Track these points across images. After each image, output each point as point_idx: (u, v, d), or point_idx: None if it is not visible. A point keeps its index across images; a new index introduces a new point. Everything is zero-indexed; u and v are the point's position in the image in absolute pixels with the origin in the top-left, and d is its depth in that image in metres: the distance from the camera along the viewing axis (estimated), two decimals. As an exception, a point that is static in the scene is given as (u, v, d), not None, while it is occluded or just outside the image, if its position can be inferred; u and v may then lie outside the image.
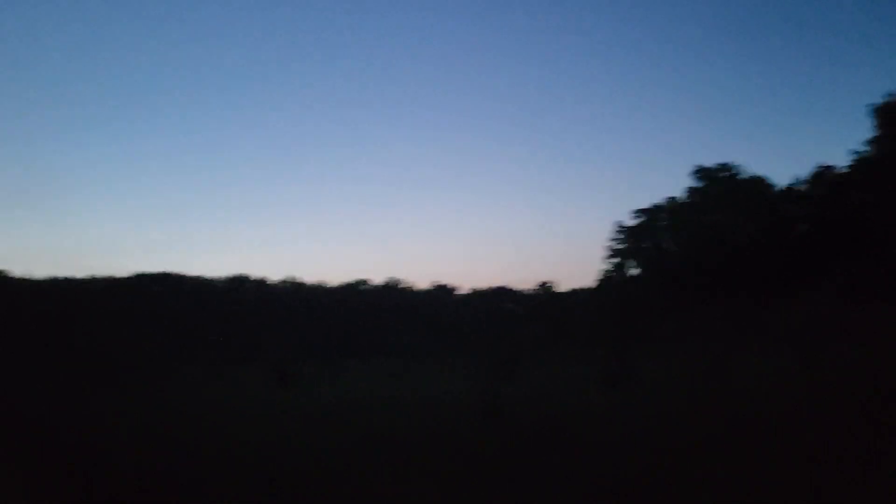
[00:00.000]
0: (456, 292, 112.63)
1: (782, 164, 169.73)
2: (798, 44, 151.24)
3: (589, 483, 11.55)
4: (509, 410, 17.07)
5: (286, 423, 22.69)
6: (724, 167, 64.92)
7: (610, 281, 70.44)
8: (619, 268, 70.14)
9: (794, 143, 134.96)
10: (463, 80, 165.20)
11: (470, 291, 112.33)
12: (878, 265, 42.39)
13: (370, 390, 35.85)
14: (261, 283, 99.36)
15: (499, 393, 17.53)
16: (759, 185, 60.70)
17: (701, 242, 58.48)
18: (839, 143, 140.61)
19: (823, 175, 51.58)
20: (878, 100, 43.84)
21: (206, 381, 47.16)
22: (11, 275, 75.22)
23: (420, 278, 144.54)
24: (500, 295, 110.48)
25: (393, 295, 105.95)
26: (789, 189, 56.27)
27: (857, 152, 46.90)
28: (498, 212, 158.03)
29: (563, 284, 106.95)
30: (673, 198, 66.78)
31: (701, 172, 66.23)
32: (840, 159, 66.81)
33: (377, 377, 46.04)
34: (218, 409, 28.82)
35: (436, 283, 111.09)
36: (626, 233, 70.37)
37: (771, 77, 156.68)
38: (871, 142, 43.54)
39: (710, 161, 66.71)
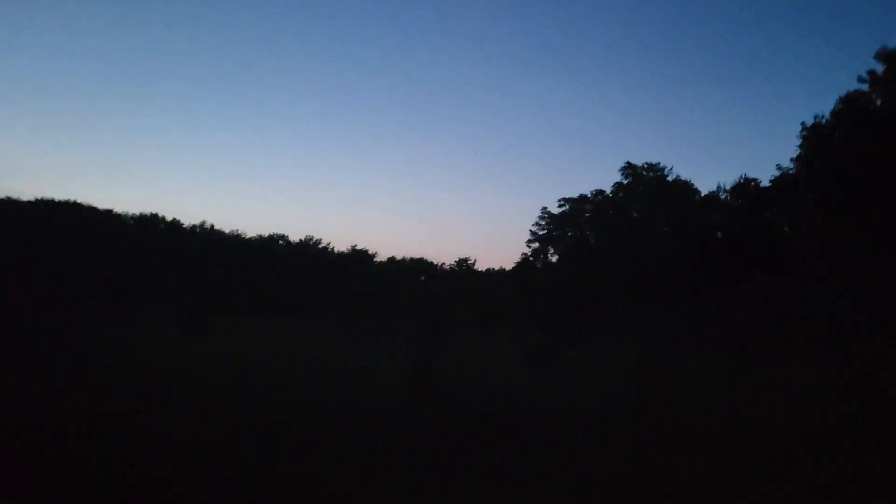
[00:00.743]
0: (375, 259, 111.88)
1: (713, 171, 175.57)
2: (741, 53, 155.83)
3: (514, 457, 11.59)
4: (436, 381, 16.98)
5: (193, 366, 21.93)
6: (652, 167, 66.78)
7: (530, 265, 71.55)
8: (539, 253, 71.29)
9: (727, 151, 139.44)
10: (397, 46, 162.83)
11: (387, 260, 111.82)
12: (791, 281, 44.44)
13: (279, 345, 35.22)
14: (173, 225, 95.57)
15: (430, 363, 17.36)
16: (683, 188, 62.79)
17: (622, 237, 60.02)
18: (770, 156, 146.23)
19: (745, 187, 53.79)
20: (809, 119, 45.81)
21: (108, 321, 45.00)
22: None
23: (339, 241, 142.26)
24: (419, 267, 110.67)
25: (310, 253, 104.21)
26: (711, 196, 58.48)
27: (780, 168, 49.00)
28: (424, 184, 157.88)
29: (482, 264, 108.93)
30: (601, 191, 68.21)
31: (629, 169, 67.92)
32: (766, 173, 69.55)
33: (288, 333, 45.28)
34: (123, 349, 27.56)
35: (355, 247, 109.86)
36: (551, 219, 71.55)
37: (710, 85, 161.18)
38: (795, 160, 45.53)
39: (639, 159, 68.48)
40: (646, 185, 66.71)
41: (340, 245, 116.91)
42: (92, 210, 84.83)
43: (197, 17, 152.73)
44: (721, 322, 34.71)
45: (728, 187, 55.90)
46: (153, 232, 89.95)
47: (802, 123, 42.42)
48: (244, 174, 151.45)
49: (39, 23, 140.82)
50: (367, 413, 14.47)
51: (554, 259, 71.77)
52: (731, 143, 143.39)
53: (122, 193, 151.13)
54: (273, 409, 14.48)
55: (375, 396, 16.68)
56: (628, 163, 67.65)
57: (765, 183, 52.69)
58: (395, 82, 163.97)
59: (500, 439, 12.57)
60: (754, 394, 18.90)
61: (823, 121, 42.83)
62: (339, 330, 44.82)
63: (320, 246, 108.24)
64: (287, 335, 42.02)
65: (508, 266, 78.81)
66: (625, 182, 67.51)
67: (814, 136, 39.60)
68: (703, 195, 60.72)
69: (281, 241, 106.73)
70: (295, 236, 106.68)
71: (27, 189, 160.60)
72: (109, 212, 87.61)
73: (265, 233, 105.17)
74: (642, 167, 67.22)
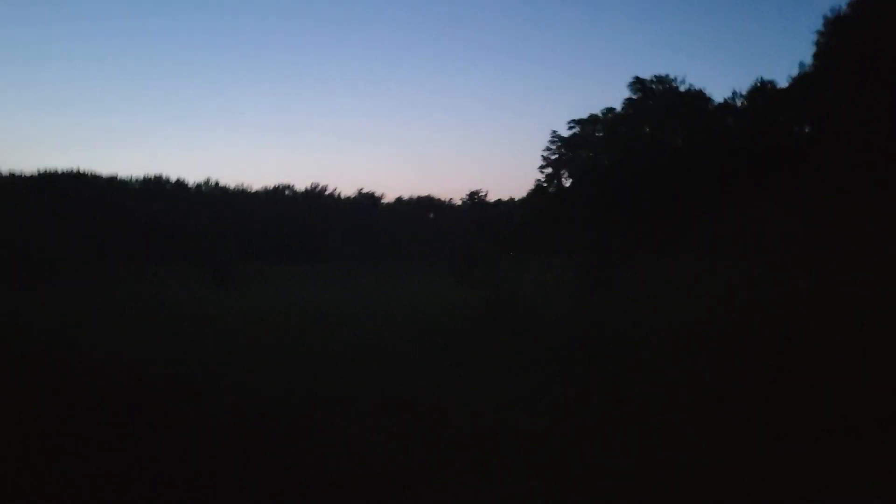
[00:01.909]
0: (382, 201, 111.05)
1: (725, 77, 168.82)
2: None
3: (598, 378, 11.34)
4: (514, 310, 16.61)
5: (231, 321, 21.56)
6: (662, 79, 65.17)
7: (543, 190, 70.85)
8: (553, 178, 70.52)
9: (737, 56, 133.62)
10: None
11: (395, 200, 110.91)
12: (813, 182, 43.70)
13: (314, 294, 35.03)
14: (179, 185, 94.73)
15: (497, 296, 16.99)
16: (696, 98, 61.38)
17: (636, 153, 59.05)
18: (784, 57, 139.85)
19: (763, 90, 52.49)
20: (825, 14, 44.20)
21: (135, 280, 44.92)
22: None
23: (343, 186, 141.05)
24: (427, 204, 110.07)
25: (318, 201, 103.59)
26: (726, 103, 57.19)
27: (802, 67, 47.71)
28: (428, 119, 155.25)
29: (493, 195, 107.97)
30: (610, 109, 66.91)
31: (638, 84, 66.38)
32: (783, 74, 67.10)
33: (317, 282, 45.16)
34: (155, 306, 27.36)
35: (361, 191, 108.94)
36: (562, 143, 70.50)
37: None
38: (816, 56, 44.18)
39: (649, 72, 66.86)
40: (657, 98, 65.33)
41: (347, 190, 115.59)
42: (96, 178, 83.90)
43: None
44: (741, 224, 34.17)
45: (744, 92, 54.56)
46: (161, 193, 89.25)
47: (825, 16, 40.85)
48: (239, 124, 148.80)
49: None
50: (458, 340, 14.22)
51: (567, 183, 71.09)
52: (743, 50, 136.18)
53: (121, 157, 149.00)
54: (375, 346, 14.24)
55: (457, 325, 16.43)
56: (637, 77, 66.01)
57: (783, 85, 51.31)
58: (394, 12, 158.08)
59: (608, 366, 12.31)
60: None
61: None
62: (374, 271, 44.68)
63: (326, 192, 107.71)
64: (329, 280, 41.88)
65: (520, 195, 78.23)
66: (635, 98, 66.09)
67: (837, 24, 38.11)
68: (717, 103, 59.32)
69: (287, 191, 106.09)
70: (300, 185, 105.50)
71: (28, 162, 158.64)
72: (114, 178, 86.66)
73: (270, 184, 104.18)
74: (651, 80, 65.65)
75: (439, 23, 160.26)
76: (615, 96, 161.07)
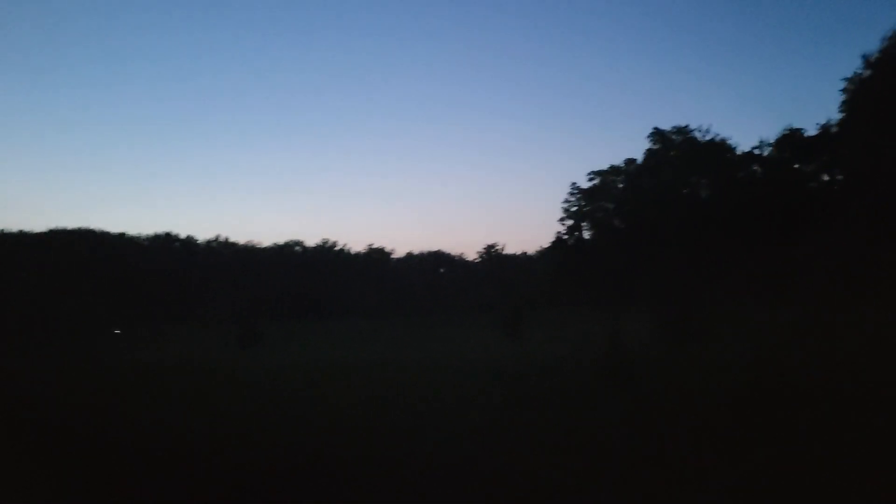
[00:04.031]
0: (392, 255, 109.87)
1: (754, 127, 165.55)
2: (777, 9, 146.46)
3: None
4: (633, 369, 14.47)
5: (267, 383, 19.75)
6: (681, 130, 64.82)
7: (563, 243, 69.63)
8: (574, 230, 69.39)
9: (765, 106, 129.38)
10: (406, 39, 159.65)
11: (405, 255, 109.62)
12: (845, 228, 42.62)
13: (349, 352, 33.25)
14: (188, 242, 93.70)
15: (614, 350, 14.87)
16: (718, 147, 60.81)
17: (662, 203, 58.13)
18: (812, 106, 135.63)
19: (790, 138, 51.79)
20: (852, 71, 44.01)
21: (151, 341, 43.25)
22: None
23: (353, 242, 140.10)
24: (438, 259, 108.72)
25: (328, 256, 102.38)
26: (752, 152, 56.55)
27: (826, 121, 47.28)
28: (437, 174, 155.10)
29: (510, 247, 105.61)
30: (632, 160, 66.36)
31: (657, 135, 66.02)
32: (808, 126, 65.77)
33: (343, 339, 43.41)
34: (183, 368, 25.68)
35: (371, 246, 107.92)
36: (581, 194, 69.68)
37: (742, 41, 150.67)
38: (842, 104, 43.66)
39: (673, 123, 66.52)
40: (676, 149, 64.89)
41: (356, 245, 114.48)
42: (105, 235, 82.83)
43: (191, 27, 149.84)
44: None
45: (772, 140, 53.86)
46: (170, 250, 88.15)
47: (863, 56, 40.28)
48: (246, 185, 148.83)
49: (39, 56, 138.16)
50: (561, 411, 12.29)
51: (587, 235, 70.01)
52: (772, 100, 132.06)
53: (129, 216, 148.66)
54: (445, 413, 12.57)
55: (548, 386, 14.52)
56: (656, 128, 65.75)
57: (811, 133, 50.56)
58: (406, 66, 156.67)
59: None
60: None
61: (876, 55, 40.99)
62: (401, 327, 42.98)
63: (336, 248, 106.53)
64: (360, 337, 40.16)
65: (531, 248, 77.03)
66: (655, 148, 65.65)
67: (867, 72, 37.56)
68: (741, 152, 58.61)
69: (297, 247, 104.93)
70: (309, 241, 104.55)
71: (36, 221, 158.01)
72: (122, 235, 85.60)
73: (279, 241, 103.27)
74: (671, 131, 65.31)
75: (452, 77, 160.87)
76: (629, 148, 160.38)
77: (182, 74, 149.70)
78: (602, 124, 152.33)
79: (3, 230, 75.91)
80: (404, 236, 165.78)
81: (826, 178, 49.32)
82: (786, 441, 9.14)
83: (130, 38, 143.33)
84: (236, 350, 36.52)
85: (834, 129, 45.71)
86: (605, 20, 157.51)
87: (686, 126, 64.67)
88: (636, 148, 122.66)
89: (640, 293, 42.20)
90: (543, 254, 74.20)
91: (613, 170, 67.58)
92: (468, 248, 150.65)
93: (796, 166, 52.27)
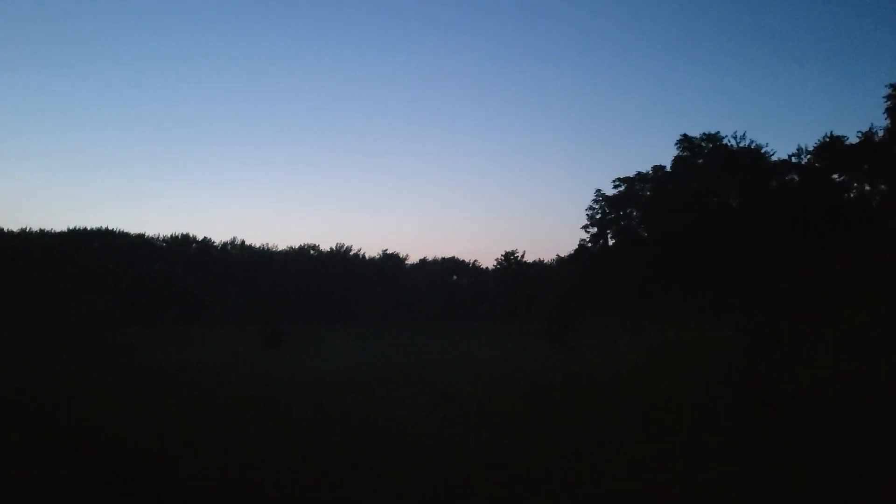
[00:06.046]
0: (406, 261, 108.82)
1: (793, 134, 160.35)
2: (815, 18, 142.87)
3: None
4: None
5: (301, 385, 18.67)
6: (711, 137, 63.60)
7: (587, 251, 68.44)
8: (598, 238, 68.23)
9: (801, 117, 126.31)
10: (423, 42, 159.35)
11: (419, 261, 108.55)
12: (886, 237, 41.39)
13: (371, 357, 32.13)
14: (205, 244, 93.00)
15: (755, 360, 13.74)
16: (750, 154, 59.50)
17: (692, 210, 56.84)
18: (853, 113, 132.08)
19: (830, 146, 50.43)
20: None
21: (182, 341, 42.33)
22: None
23: (366, 246, 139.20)
24: (452, 266, 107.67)
25: (344, 261, 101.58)
26: (788, 159, 55.23)
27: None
28: (450, 181, 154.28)
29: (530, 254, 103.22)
30: (660, 166, 65.21)
31: (685, 142, 64.81)
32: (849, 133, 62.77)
33: (368, 344, 42.35)
34: (213, 369, 24.76)
35: (386, 251, 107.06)
36: (605, 202, 68.58)
37: (780, 47, 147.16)
38: (887, 111, 42.43)
39: (703, 130, 65.23)
40: (705, 156, 63.65)
41: (371, 251, 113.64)
42: (124, 235, 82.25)
43: (224, 29, 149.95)
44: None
45: (811, 148, 52.48)
46: (187, 252, 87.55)
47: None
48: (262, 188, 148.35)
49: (55, 55, 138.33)
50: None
51: (611, 242, 68.83)
52: (808, 110, 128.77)
53: (148, 217, 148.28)
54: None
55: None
56: (684, 135, 64.49)
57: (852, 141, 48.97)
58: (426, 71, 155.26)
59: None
60: None
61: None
62: (433, 333, 41.86)
63: (351, 253, 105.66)
64: (390, 341, 39.08)
65: (548, 257, 75.78)
66: (683, 155, 64.43)
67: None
68: (775, 160, 57.24)
69: (312, 251, 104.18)
70: (324, 245, 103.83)
71: (57, 221, 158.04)
72: (141, 235, 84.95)
73: (294, 244, 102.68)
74: (700, 138, 64.09)
75: (473, 83, 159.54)
76: (655, 155, 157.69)
77: (204, 77, 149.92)
78: (625, 132, 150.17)
79: (24, 229, 75.66)
80: (418, 242, 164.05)
81: (867, 187, 48.02)
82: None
83: (162, 39, 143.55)
84: (262, 350, 35.67)
85: (878, 137, 44.47)
86: (632, 24, 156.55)
87: (717, 133, 63.44)
88: (663, 156, 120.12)
89: (671, 301, 40.93)
90: (564, 262, 72.95)
91: (640, 177, 66.49)
92: (481, 255, 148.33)
93: (835, 176, 50.91)
